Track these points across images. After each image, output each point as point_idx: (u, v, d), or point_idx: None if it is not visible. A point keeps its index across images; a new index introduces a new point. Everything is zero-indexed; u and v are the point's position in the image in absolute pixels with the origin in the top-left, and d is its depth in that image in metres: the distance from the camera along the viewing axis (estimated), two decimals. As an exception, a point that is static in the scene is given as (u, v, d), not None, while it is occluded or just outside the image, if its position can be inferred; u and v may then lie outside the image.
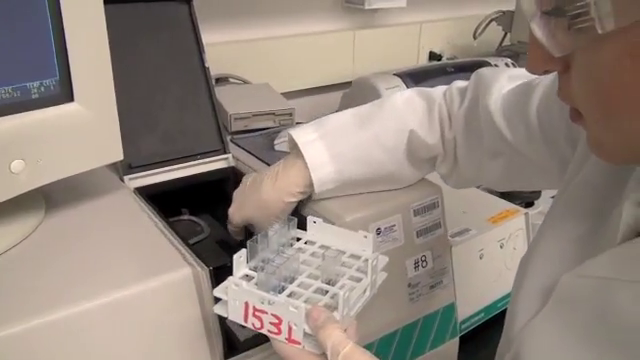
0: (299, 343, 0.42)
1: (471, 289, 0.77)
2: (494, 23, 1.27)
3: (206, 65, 0.76)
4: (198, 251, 0.53)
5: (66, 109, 0.52)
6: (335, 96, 1.18)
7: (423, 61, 1.33)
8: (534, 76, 0.53)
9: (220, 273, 0.49)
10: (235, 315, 0.44)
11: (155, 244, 0.53)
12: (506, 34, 1.31)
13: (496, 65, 1.17)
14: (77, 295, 0.45)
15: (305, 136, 0.59)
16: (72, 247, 0.52)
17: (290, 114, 0.85)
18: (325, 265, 0.47)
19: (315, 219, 0.52)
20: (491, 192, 0.89)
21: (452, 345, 0.71)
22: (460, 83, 0.61)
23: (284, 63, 1.09)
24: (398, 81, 1.03)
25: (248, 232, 0.67)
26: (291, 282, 0.46)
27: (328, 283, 0.46)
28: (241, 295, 0.43)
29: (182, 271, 0.50)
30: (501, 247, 0.81)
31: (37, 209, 0.57)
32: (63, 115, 0.52)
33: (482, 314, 0.81)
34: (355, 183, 0.60)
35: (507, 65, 1.18)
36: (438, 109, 0.60)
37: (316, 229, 0.52)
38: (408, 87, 1.01)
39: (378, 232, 0.61)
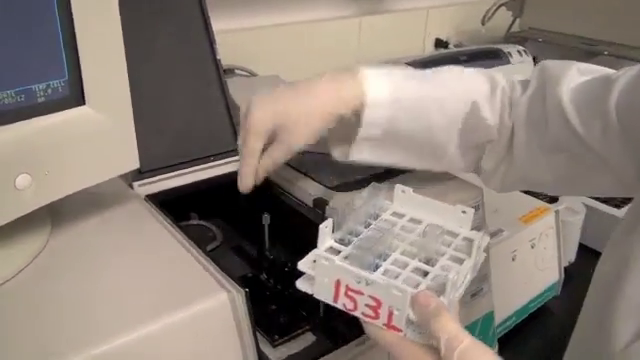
0: (400, 330, 0.39)
1: (504, 293, 0.73)
2: (503, 8, 1.22)
3: (218, 57, 0.69)
4: (226, 268, 0.48)
5: (77, 113, 0.46)
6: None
7: (429, 48, 1.28)
8: (605, 70, 0.51)
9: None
10: (322, 293, 0.41)
11: (182, 264, 0.48)
12: (515, 19, 1.27)
13: (509, 52, 1.12)
14: (103, 331, 0.40)
15: (370, 69, 0.54)
16: (89, 272, 0.46)
17: None
18: (425, 242, 0.43)
19: (404, 188, 0.48)
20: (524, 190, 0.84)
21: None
22: (519, 76, 0.58)
23: (288, 52, 1.04)
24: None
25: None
26: (384, 259, 0.42)
27: (427, 263, 0.42)
28: (333, 272, 0.40)
29: (218, 297, 0.44)
30: (532, 247, 0.77)
31: (42, 225, 0.51)
32: (73, 120, 0.45)
33: (514, 318, 0.77)
34: (398, 140, 0.55)
35: (519, 53, 1.14)
36: (501, 92, 0.56)
37: (404, 200, 0.48)
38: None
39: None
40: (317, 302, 0.55)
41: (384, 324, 0.39)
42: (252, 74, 0.94)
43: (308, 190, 0.62)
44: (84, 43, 0.44)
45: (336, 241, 0.44)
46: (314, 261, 0.42)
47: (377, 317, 0.39)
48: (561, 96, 0.51)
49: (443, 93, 0.55)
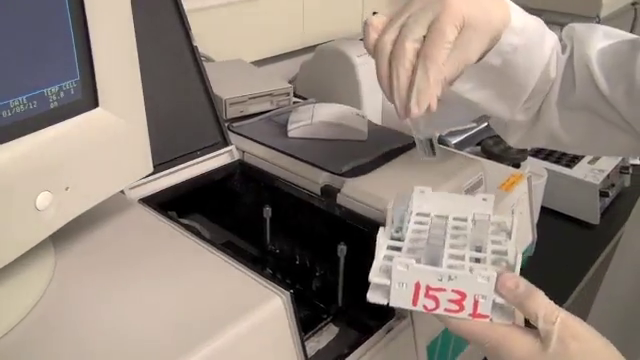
0: (487, 317, 0.39)
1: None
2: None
3: (194, 44, 0.65)
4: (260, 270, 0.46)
5: (91, 117, 0.41)
6: (287, 65, 1.08)
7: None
8: (628, 35, 0.53)
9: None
10: (400, 300, 0.40)
11: (218, 272, 0.45)
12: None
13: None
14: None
15: None
16: (122, 298, 0.42)
17: (288, 94, 0.76)
18: (476, 231, 0.44)
19: (422, 188, 0.49)
20: (489, 157, 0.87)
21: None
22: None
23: (229, 33, 0.97)
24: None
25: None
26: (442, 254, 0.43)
27: (477, 251, 0.43)
28: (412, 276, 0.39)
29: (272, 302, 0.42)
30: (512, 213, 0.79)
31: (46, 250, 0.45)
32: (88, 125, 0.40)
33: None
34: (503, 74, 0.52)
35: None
36: (555, 44, 0.55)
37: (424, 199, 0.49)
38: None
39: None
40: (332, 292, 0.57)
41: (470, 314, 0.39)
42: (208, 59, 0.89)
43: (314, 178, 0.61)
44: (97, 38, 0.39)
45: (388, 247, 0.44)
46: (380, 269, 0.42)
47: (462, 309, 0.39)
48: (589, 57, 0.52)
49: (545, 30, 0.53)
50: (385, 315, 0.53)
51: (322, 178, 0.60)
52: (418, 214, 0.48)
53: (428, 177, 0.59)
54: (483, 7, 0.45)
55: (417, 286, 0.40)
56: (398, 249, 0.43)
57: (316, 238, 0.61)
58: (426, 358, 0.57)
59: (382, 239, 0.44)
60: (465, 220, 0.47)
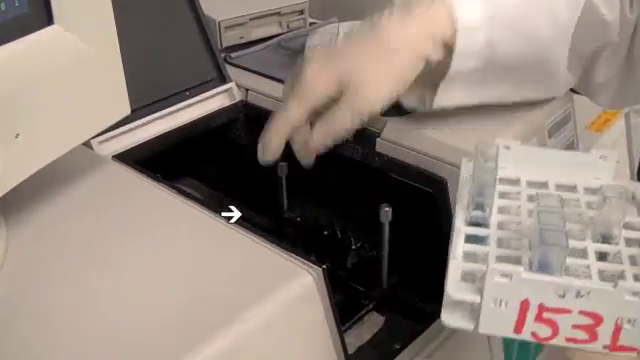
0: (634, 349, 0.37)
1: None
2: None
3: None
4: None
5: (44, 37, 0.39)
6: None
7: None
8: None
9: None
10: (496, 325, 0.37)
11: (230, 243, 0.45)
12: None
13: None
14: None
15: None
16: (94, 274, 0.42)
17: (301, 11, 0.76)
18: (605, 213, 0.40)
19: (509, 143, 0.46)
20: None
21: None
22: None
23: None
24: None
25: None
26: None
27: (603, 241, 0.41)
28: (517, 291, 0.36)
29: (301, 280, 0.42)
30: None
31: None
32: (41, 47, 0.39)
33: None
34: (498, 69, 0.56)
35: None
36: None
37: (511, 158, 0.46)
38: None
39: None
40: (374, 270, 0.57)
41: (605, 346, 0.37)
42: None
43: None
44: None
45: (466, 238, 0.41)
46: (460, 276, 0.39)
47: (594, 339, 0.37)
48: None
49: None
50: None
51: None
52: (503, 180, 0.46)
53: (499, 113, 0.59)
54: (372, 57, 0.51)
55: (525, 305, 0.36)
56: (481, 240, 0.41)
57: (349, 200, 0.61)
58: (502, 356, 0.57)
59: (459, 224, 0.41)
60: (574, 190, 0.44)
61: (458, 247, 0.40)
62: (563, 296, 0.36)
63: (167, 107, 0.61)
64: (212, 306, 0.39)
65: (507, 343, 0.57)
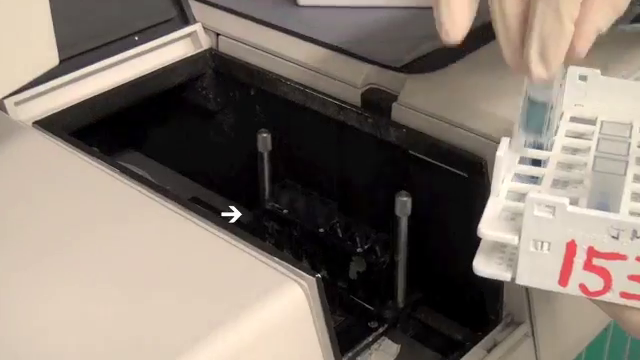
0: None
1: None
2: None
3: None
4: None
5: None
6: None
7: None
8: None
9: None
10: (537, 274, 0.38)
11: (199, 242, 0.44)
12: None
13: None
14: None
15: None
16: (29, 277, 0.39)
17: None
18: None
19: (584, 71, 0.47)
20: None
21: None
22: None
23: None
24: None
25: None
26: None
27: None
28: (563, 229, 0.37)
29: (286, 292, 0.41)
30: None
31: None
32: None
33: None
34: None
35: None
36: None
37: (585, 92, 0.48)
38: None
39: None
40: (386, 282, 0.58)
41: None
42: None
43: (350, 78, 0.58)
44: None
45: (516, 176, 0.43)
46: (500, 214, 0.40)
47: None
48: None
49: None
50: (482, 320, 0.53)
51: (364, 76, 0.58)
52: (574, 119, 0.47)
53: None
54: None
55: (571, 248, 0.37)
56: (535, 179, 0.42)
57: (354, 186, 0.61)
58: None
59: (505, 157, 0.42)
60: None
61: (498, 183, 0.42)
62: (617, 237, 0.37)
63: (108, 57, 0.60)
64: (166, 328, 0.38)
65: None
